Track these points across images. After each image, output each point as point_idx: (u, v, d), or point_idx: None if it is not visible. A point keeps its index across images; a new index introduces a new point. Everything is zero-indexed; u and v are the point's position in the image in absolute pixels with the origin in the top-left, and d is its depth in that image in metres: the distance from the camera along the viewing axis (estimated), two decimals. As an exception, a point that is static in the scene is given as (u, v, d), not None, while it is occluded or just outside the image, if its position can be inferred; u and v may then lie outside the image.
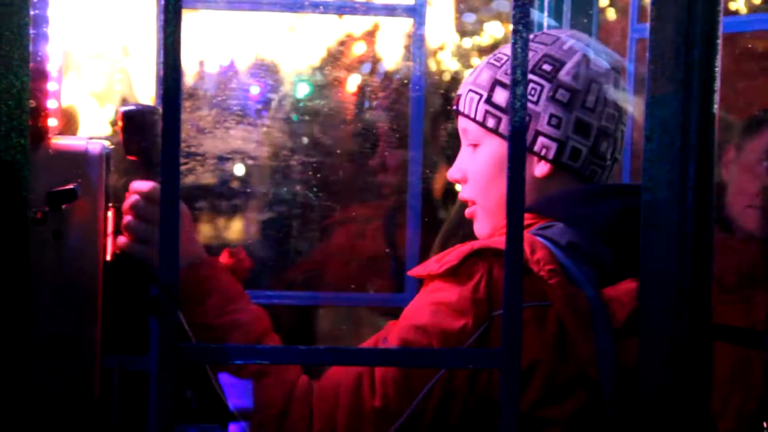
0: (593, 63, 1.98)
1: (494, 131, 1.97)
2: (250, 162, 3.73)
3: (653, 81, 1.44)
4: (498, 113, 1.96)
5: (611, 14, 4.59)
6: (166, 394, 1.36)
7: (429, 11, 3.16)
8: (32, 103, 1.64)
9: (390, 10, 3.30)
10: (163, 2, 1.31)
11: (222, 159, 3.59)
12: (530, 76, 1.96)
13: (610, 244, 1.93)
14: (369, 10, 3.39)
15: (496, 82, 1.98)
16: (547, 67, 1.97)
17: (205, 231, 4.01)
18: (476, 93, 1.99)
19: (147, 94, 4.24)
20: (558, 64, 1.97)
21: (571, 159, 1.95)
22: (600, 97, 1.97)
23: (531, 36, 2.02)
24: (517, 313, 1.42)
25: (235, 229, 4.00)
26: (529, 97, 1.94)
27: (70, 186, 1.76)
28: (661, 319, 1.46)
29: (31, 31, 1.33)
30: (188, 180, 3.57)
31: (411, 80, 3.12)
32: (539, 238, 1.88)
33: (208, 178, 3.70)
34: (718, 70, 1.44)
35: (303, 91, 3.86)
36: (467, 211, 2.05)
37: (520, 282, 1.42)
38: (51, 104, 1.76)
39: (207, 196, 3.84)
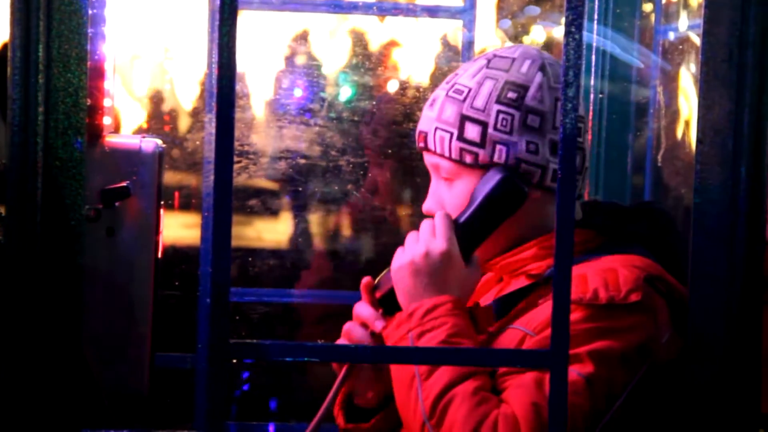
0: (553, 80, 1.98)
1: (474, 166, 1.96)
2: (300, 161, 3.74)
3: (706, 84, 1.44)
4: (473, 149, 1.95)
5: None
6: (217, 390, 1.38)
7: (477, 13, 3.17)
8: (88, 102, 1.66)
9: (439, 12, 3.32)
10: (218, 2, 1.33)
11: (272, 158, 3.62)
12: (499, 107, 1.95)
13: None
14: (419, 11, 3.40)
15: (464, 118, 1.96)
16: (512, 95, 1.96)
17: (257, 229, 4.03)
18: (445, 131, 1.97)
19: (189, 96, 4.27)
20: (522, 90, 1.96)
21: (554, 181, 1.96)
22: None
23: (485, 61, 2.00)
24: (565, 314, 1.42)
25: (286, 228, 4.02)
26: (502, 128, 1.94)
27: (124, 184, 1.78)
28: (710, 322, 1.46)
29: (89, 30, 1.35)
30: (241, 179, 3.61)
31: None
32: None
33: (256, 177, 3.72)
34: (772, 72, 1.44)
35: (346, 94, 3.87)
36: None
37: (569, 281, 1.43)
38: (106, 103, 1.78)
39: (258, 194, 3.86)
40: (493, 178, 1.92)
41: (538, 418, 1.74)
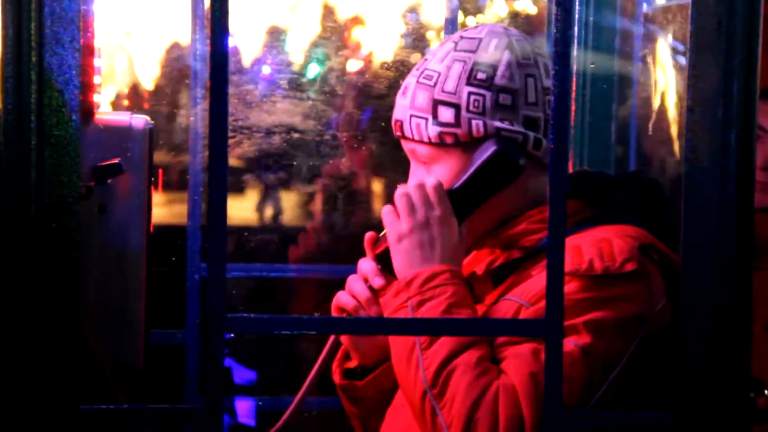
0: (521, 58, 1.99)
1: (455, 145, 1.98)
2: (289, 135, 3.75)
3: (695, 52, 1.45)
4: (450, 129, 1.97)
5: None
6: (215, 364, 1.39)
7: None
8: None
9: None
10: (210, -22, 1.33)
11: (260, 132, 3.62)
12: (469, 89, 1.97)
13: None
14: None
15: (436, 102, 1.98)
16: (481, 75, 1.97)
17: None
18: (420, 117, 1.99)
19: (148, 75, 4.26)
20: (491, 69, 1.97)
21: (535, 148, 1.98)
22: (538, 88, 1.99)
23: (452, 44, 2.02)
24: (559, 284, 1.44)
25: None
26: (474, 109, 1.96)
27: (116, 160, 1.78)
28: (703, 289, 1.48)
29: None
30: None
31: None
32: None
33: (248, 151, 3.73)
34: (760, 40, 1.45)
35: (314, 70, 3.87)
36: None
37: (562, 251, 1.44)
38: (96, 80, 1.78)
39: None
40: (488, 149, 1.93)
41: (537, 388, 1.76)
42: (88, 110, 1.77)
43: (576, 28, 3.02)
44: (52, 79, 1.37)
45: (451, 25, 3.14)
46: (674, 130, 3.18)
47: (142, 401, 1.83)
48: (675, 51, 3.23)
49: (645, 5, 3.09)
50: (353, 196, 3.96)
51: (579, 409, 1.77)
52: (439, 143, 1.97)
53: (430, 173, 2.00)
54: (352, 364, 2.11)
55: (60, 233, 1.39)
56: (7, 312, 1.39)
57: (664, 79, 3.16)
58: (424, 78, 2.00)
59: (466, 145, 1.97)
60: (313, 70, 3.90)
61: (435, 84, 1.98)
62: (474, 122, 1.96)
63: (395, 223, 1.93)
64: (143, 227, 1.87)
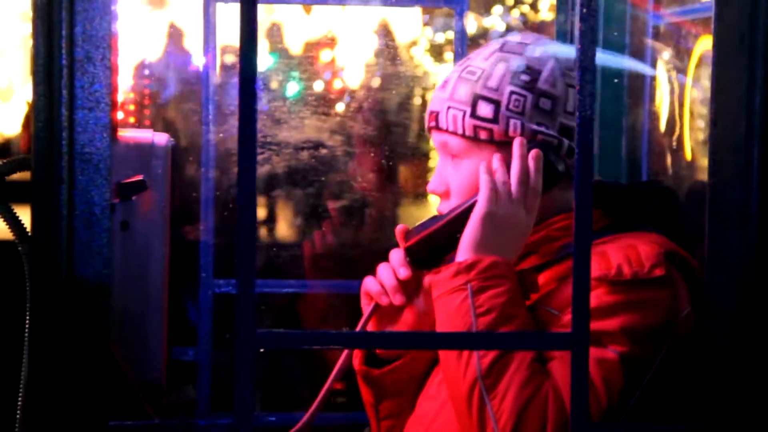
0: (566, 68, 2.02)
1: (489, 141, 1.99)
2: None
3: (718, 66, 1.46)
4: (487, 125, 1.99)
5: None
6: (246, 379, 1.40)
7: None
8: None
9: (432, 1, 3.34)
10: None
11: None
12: (512, 88, 1.99)
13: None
14: (413, 1, 3.42)
15: (477, 97, 1.99)
16: (525, 77, 2.00)
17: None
18: (458, 109, 2.01)
19: (155, 91, 4.28)
20: (535, 73, 2.00)
21: (568, 156, 2.00)
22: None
23: (498, 45, 2.04)
24: (585, 296, 1.45)
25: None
26: (514, 108, 1.98)
27: (139, 177, 1.80)
28: (726, 297, 1.49)
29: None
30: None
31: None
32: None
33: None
34: (782, 54, 1.46)
35: (293, 89, 3.88)
36: None
37: (588, 262, 1.45)
38: (117, 98, 1.80)
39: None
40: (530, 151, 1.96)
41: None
42: (113, 128, 1.78)
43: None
44: (83, 98, 1.38)
45: (460, 40, 3.16)
46: (686, 144, 3.19)
47: (167, 415, 1.83)
48: (681, 66, 3.25)
49: (653, 20, 3.11)
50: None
51: (616, 414, 1.79)
52: (473, 137, 1.99)
53: (458, 170, 2.02)
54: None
55: (91, 249, 1.40)
56: (39, 329, 1.40)
57: (676, 93, 3.18)
58: (467, 73, 2.02)
59: (500, 143, 1.98)
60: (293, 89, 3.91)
61: (478, 79, 2.00)
62: (512, 121, 1.97)
63: (492, 201, 1.94)
64: (165, 243, 1.88)
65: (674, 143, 3.18)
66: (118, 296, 1.85)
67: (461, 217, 1.96)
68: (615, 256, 1.90)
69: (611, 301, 1.85)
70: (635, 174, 3.11)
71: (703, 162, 3.33)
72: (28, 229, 1.67)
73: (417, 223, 2.03)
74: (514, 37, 2.07)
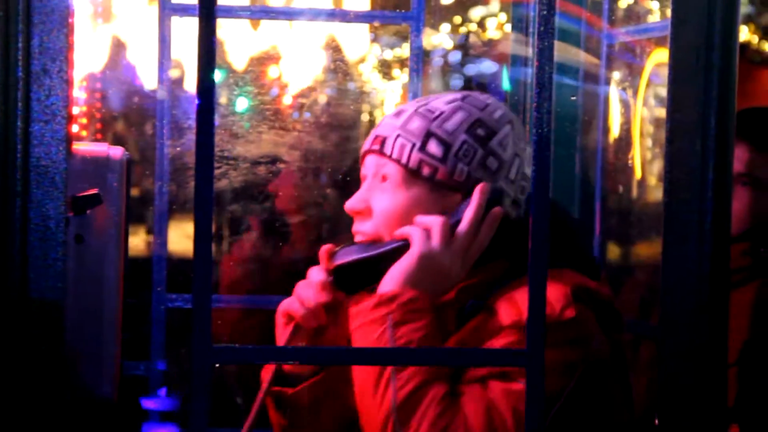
0: (518, 137, 2.04)
1: (428, 179, 2.00)
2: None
3: (674, 85, 1.48)
4: (434, 163, 2.00)
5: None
6: (202, 394, 1.39)
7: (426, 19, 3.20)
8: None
9: (388, 18, 3.34)
10: (198, 8, 1.34)
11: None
12: (466, 137, 2.01)
13: None
14: (369, 17, 3.42)
15: (430, 134, 2.01)
16: (481, 132, 2.01)
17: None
18: (407, 140, 2.01)
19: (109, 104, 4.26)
20: (490, 131, 2.02)
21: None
22: (519, 171, 2.03)
23: (459, 96, 2.06)
24: (541, 314, 1.46)
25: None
26: (463, 156, 2.00)
27: (94, 191, 1.78)
28: (681, 313, 1.50)
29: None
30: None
31: (409, 88, 3.15)
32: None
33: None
34: (736, 74, 1.48)
35: (242, 104, 3.87)
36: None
37: (544, 284, 1.46)
38: (74, 111, 1.78)
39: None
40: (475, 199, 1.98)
41: (491, 422, 1.83)
42: (68, 141, 1.77)
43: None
44: (39, 110, 1.37)
45: (416, 57, 3.17)
46: (637, 162, 3.22)
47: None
48: (633, 85, 3.27)
49: (607, 39, 3.13)
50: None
51: None
52: (415, 170, 1.99)
53: (385, 193, 2.01)
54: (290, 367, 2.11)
55: (45, 263, 1.39)
56: (-8, 343, 1.39)
57: (631, 111, 3.21)
58: (424, 109, 2.03)
59: (440, 184, 1.99)
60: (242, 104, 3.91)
61: (435, 119, 2.01)
62: (460, 165, 1.98)
63: (425, 241, 1.94)
64: (120, 258, 1.87)
65: (628, 161, 3.20)
66: (71, 310, 1.83)
67: (395, 252, 1.97)
68: (525, 302, 1.91)
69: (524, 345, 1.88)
70: (589, 191, 3.13)
71: (652, 180, 3.36)
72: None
73: (343, 245, 2.03)
74: (474, 93, 2.09)
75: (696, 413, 1.50)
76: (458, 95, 2.06)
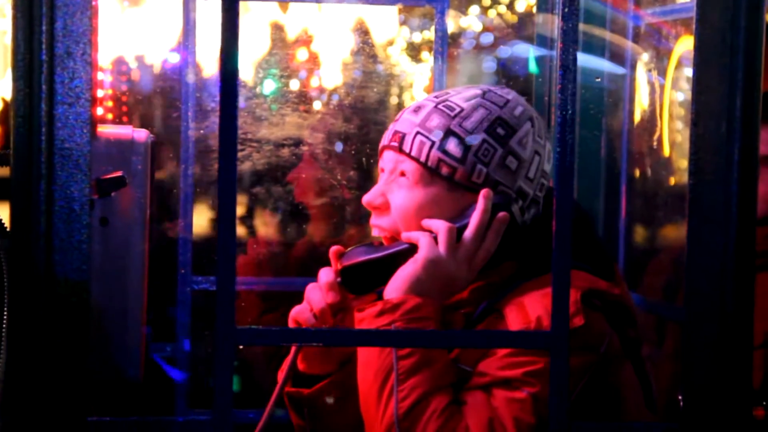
0: (538, 134, 2.02)
1: (446, 178, 1.99)
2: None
3: (699, 67, 1.47)
4: (453, 163, 1.98)
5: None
6: (225, 375, 1.40)
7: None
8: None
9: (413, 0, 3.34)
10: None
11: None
12: (485, 136, 1.99)
13: None
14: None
15: (450, 132, 1.99)
16: (501, 131, 2.00)
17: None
18: (426, 138, 2.00)
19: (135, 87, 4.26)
20: (510, 130, 2.00)
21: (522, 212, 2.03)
22: (539, 169, 2.02)
23: (480, 92, 2.04)
24: (565, 296, 1.45)
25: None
26: (482, 156, 1.98)
27: (119, 173, 1.79)
28: (705, 301, 1.49)
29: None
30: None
31: (434, 71, 3.14)
32: None
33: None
34: (762, 55, 1.47)
35: (269, 87, 3.86)
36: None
37: (568, 266, 1.46)
38: (98, 93, 1.79)
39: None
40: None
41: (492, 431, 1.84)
42: (92, 123, 1.77)
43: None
44: (63, 93, 1.37)
45: (441, 40, 3.16)
46: (665, 144, 3.20)
47: (145, 413, 1.83)
48: (661, 67, 3.26)
49: (633, 21, 3.12)
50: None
51: None
52: (434, 169, 1.98)
53: (403, 189, 2.00)
54: (306, 367, 2.11)
55: (70, 245, 1.39)
56: (17, 325, 1.40)
57: (657, 94, 3.19)
58: (443, 106, 2.01)
59: (457, 184, 1.98)
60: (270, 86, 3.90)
61: (455, 116, 1.99)
62: (478, 167, 1.97)
63: (432, 246, 1.94)
64: (145, 240, 1.87)
65: (654, 143, 3.19)
66: (96, 293, 1.84)
67: (403, 253, 1.96)
68: (533, 308, 1.92)
69: (531, 353, 1.87)
70: (614, 174, 3.12)
71: (681, 163, 3.35)
72: (7, 224, 1.66)
73: (353, 246, 2.03)
74: (495, 89, 2.07)
75: (721, 395, 1.49)
76: (478, 90, 2.04)
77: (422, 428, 1.83)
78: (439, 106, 2.01)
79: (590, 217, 2.14)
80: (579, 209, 2.08)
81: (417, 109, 2.04)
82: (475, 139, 1.98)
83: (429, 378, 1.84)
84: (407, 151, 2.00)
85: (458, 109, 2.00)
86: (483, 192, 1.95)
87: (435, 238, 1.95)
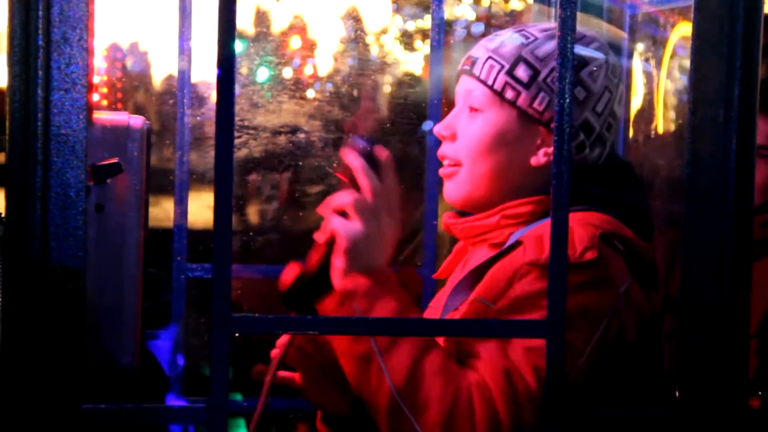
0: (612, 71, 2.01)
1: (511, 103, 1.98)
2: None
3: (697, 55, 1.46)
4: (519, 87, 1.98)
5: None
6: (220, 363, 1.40)
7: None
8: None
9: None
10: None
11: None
12: (555, 65, 1.98)
13: None
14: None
15: (520, 58, 1.99)
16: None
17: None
18: (496, 62, 2.00)
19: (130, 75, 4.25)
20: (582, 62, 1.99)
21: (577, 151, 1.99)
22: (608, 106, 2.00)
23: (556, 25, 2.03)
24: (562, 282, 1.45)
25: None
26: (550, 83, 1.97)
27: (115, 160, 1.78)
28: (702, 289, 1.49)
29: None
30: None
31: (430, 59, 3.14)
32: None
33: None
34: (760, 44, 1.47)
35: (263, 75, 3.86)
36: (442, 171, 2.05)
37: (565, 253, 1.46)
38: (94, 80, 1.78)
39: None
40: None
41: (510, 383, 1.76)
42: (88, 109, 1.77)
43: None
44: (59, 79, 1.37)
45: (438, 28, 3.16)
46: (660, 132, 3.20)
47: (139, 400, 1.82)
48: (657, 56, 3.25)
49: (630, 10, 3.11)
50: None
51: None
52: (500, 92, 1.99)
53: (472, 122, 1.99)
54: (332, 410, 2.08)
55: (66, 232, 1.39)
56: (12, 312, 1.39)
57: (654, 82, 3.19)
58: (519, 35, 2.02)
59: (518, 110, 1.98)
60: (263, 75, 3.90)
61: (528, 44, 2.00)
62: (542, 94, 1.97)
63: (346, 226, 1.84)
64: (140, 227, 1.87)
65: (652, 132, 3.19)
66: (91, 280, 1.83)
67: (328, 252, 1.86)
68: (549, 240, 1.88)
69: (541, 287, 1.81)
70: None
71: (677, 152, 3.35)
72: (2, 210, 1.65)
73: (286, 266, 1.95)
74: (578, 27, 2.05)
75: (717, 384, 1.49)
76: (555, 24, 2.04)
77: (426, 393, 1.76)
78: (515, 35, 2.02)
79: (643, 186, 2.11)
80: (633, 175, 2.07)
81: (493, 38, 2.05)
82: (544, 66, 1.98)
83: (410, 344, 1.78)
84: (477, 74, 2.01)
85: (532, 38, 2.01)
86: (348, 155, 1.85)
87: (345, 217, 1.86)
